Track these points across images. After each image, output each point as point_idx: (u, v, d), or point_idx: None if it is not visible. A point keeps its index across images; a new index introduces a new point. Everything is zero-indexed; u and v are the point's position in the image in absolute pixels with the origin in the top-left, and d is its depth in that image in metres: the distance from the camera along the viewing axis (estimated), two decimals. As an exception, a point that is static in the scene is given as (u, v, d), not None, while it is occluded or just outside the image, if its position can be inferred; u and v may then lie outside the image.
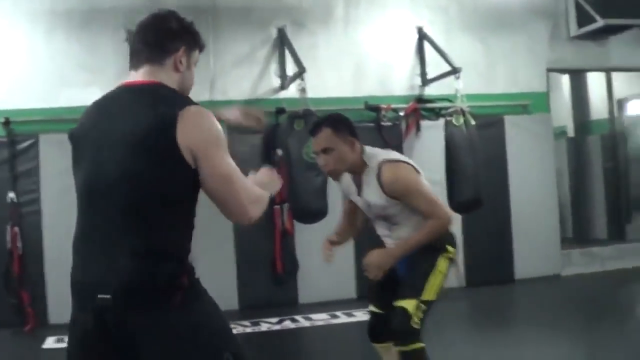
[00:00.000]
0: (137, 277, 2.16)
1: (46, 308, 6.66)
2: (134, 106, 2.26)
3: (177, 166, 2.18)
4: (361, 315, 6.23)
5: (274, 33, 7.43)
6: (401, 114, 7.64)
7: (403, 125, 7.65)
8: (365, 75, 7.68)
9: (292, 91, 7.20)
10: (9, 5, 6.91)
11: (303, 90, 6.95)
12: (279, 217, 7.07)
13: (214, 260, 6.51)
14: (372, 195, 3.51)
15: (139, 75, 2.35)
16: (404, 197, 3.45)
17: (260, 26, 7.46)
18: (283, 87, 7.32)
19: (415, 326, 3.34)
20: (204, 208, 2.30)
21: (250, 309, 6.97)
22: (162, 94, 2.29)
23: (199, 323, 2.23)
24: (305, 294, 7.25)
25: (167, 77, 2.34)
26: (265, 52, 7.44)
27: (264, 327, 6.37)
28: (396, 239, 3.58)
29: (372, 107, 7.44)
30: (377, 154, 3.55)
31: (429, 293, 3.42)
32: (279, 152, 6.94)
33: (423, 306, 3.38)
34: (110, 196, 2.21)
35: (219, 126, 2.26)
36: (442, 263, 3.52)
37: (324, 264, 3.79)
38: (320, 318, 6.57)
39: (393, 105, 7.55)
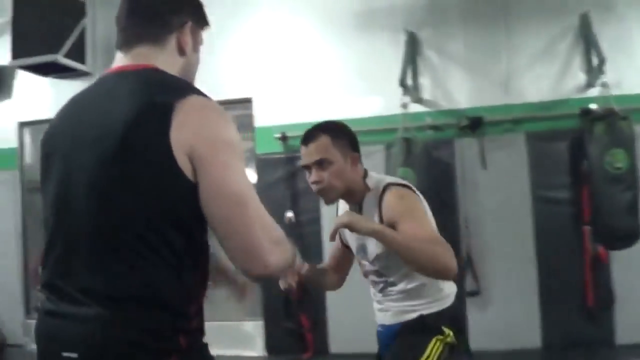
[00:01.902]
0: (112, 333, 1.64)
1: (326, 335, 6.33)
2: (117, 97, 1.74)
3: (170, 177, 1.65)
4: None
5: (575, 21, 6.41)
6: None
7: None
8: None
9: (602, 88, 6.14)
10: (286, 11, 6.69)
11: (605, 85, 5.86)
12: (589, 240, 6.04)
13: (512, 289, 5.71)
14: None
15: (129, 59, 1.87)
16: (403, 221, 2.64)
17: (558, 14, 6.45)
18: (591, 84, 6.28)
19: None
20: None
21: (556, 348, 6.02)
22: (158, 79, 1.80)
23: None
24: (624, 333, 6.12)
25: (168, 60, 1.87)
26: (567, 45, 6.44)
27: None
28: (388, 307, 2.97)
29: None
30: (383, 178, 2.93)
31: None
32: (586, 163, 5.93)
33: None
34: (79, 221, 1.71)
35: (233, 127, 1.73)
36: (434, 348, 2.81)
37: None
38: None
39: None
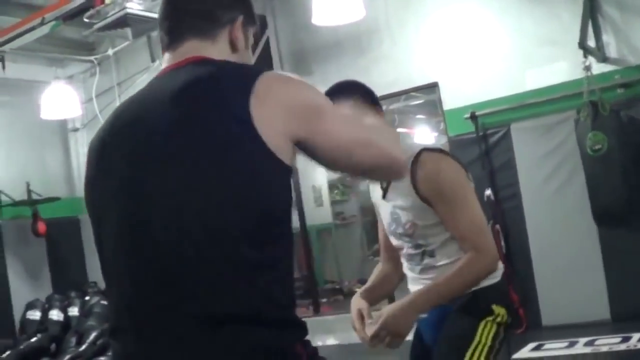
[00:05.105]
0: (218, 357, 1.46)
1: (538, 309, 6.39)
2: (181, 95, 1.56)
3: (263, 170, 1.50)
4: None
5: None
6: None
7: None
8: None
9: None
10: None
11: None
12: None
13: None
14: (401, 197, 2.57)
15: (178, 56, 1.72)
16: (441, 202, 2.49)
17: None
18: None
19: None
20: None
21: None
22: (221, 67, 1.64)
23: None
24: None
25: (221, 55, 1.72)
26: None
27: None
28: (427, 278, 2.61)
29: None
30: (413, 143, 2.67)
31: None
32: None
33: None
34: (159, 242, 1.50)
35: (314, 88, 1.63)
36: (485, 331, 2.52)
37: None
38: None
39: None
